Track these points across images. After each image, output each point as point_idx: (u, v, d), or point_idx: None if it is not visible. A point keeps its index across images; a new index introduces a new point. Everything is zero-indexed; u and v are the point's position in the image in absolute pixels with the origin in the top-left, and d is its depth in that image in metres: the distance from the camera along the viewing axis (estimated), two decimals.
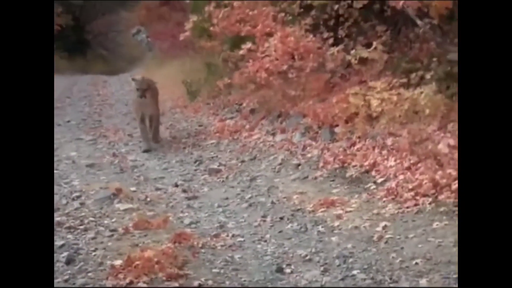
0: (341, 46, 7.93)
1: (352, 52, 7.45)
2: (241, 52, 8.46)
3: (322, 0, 7.71)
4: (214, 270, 4.38)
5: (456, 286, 3.78)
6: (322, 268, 4.37)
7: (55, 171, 7.11)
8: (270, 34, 8.20)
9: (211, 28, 9.66)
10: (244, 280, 4.24)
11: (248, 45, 8.32)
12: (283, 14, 8.72)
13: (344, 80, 8.01)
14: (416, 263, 4.25)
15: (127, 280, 4.14)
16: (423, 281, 4.01)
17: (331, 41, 8.05)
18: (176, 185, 6.58)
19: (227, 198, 6.11)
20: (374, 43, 7.23)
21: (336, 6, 7.82)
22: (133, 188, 6.37)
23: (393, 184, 5.46)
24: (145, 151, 8.20)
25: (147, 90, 8.33)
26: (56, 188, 6.40)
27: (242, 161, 7.34)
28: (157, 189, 6.46)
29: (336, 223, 5.13)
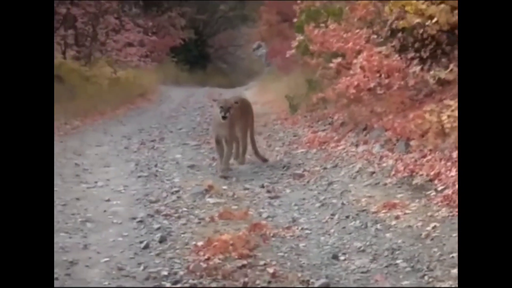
0: (425, 67, 8.56)
1: (431, 72, 8.08)
2: (331, 64, 9.27)
3: (406, 25, 8.30)
4: (279, 254, 5.18)
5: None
6: (371, 257, 5.09)
7: (160, 170, 8.18)
8: (359, 52, 8.95)
9: (310, 46, 10.56)
10: (303, 263, 5.02)
11: (339, 59, 9.11)
12: (375, 36, 9.46)
13: (429, 98, 8.60)
14: (452, 257, 4.88)
15: (206, 256, 5.01)
16: (454, 271, 4.64)
17: (416, 61, 8.67)
18: (262, 186, 7.42)
19: (304, 199, 6.91)
20: (451, 65, 7.82)
21: (421, 30, 8.42)
22: (224, 187, 7.28)
23: (450, 191, 6.06)
24: (222, 176, 7.87)
25: (230, 108, 7.96)
26: (159, 183, 7.44)
27: (325, 168, 8.08)
28: (245, 188, 7.34)
29: (393, 222, 5.81)
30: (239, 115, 8.39)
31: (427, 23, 7.65)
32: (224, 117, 7.86)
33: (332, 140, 9.23)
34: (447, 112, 7.19)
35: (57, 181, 7.45)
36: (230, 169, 8.24)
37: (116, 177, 7.80)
